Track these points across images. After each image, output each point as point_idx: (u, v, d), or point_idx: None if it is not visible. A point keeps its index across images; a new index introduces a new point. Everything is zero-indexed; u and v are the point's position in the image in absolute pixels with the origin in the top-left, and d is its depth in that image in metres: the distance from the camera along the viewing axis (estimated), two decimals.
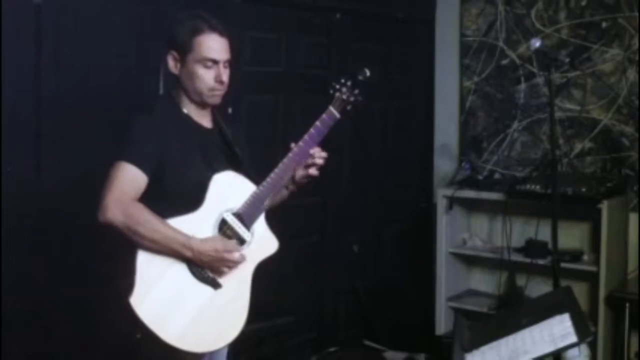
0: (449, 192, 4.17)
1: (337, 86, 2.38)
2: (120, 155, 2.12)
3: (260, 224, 2.28)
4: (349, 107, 2.38)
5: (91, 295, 2.70)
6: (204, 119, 2.33)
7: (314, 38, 3.85)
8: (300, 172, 2.37)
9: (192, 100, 2.28)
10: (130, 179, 2.10)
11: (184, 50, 2.21)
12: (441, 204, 4.20)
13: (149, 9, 3.03)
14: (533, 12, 4.14)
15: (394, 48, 4.33)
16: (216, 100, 2.29)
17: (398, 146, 4.40)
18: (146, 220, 2.07)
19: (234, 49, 2.29)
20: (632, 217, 3.82)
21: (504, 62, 4.28)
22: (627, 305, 3.47)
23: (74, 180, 2.75)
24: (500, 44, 4.28)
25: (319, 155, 2.36)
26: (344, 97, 2.37)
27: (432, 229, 4.29)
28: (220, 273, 2.17)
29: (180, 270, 2.13)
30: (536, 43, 3.08)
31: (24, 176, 2.69)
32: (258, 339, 3.26)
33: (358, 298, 4.18)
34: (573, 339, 2.08)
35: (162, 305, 2.07)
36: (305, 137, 2.32)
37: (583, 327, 2.13)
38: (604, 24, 3.91)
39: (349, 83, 2.38)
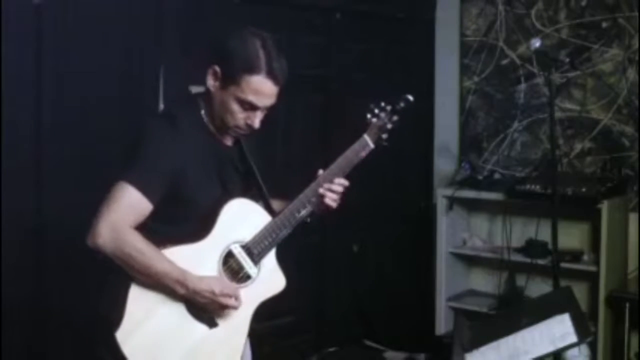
0: (449, 192, 4.17)
1: (376, 111, 2.12)
2: (124, 175, 1.89)
3: (270, 260, 2.09)
4: (384, 136, 2.14)
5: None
6: (225, 136, 2.08)
7: (314, 38, 3.85)
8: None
9: (213, 122, 2.03)
10: (130, 204, 1.88)
11: (230, 79, 1.93)
12: (441, 204, 4.20)
13: (149, 10, 3.03)
14: (533, 12, 4.14)
15: (394, 48, 4.33)
16: (235, 135, 2.06)
17: (398, 146, 4.39)
18: (139, 252, 1.87)
19: (282, 95, 2.01)
20: (632, 217, 3.82)
21: (504, 62, 4.28)
22: (627, 305, 3.47)
23: (75, 181, 2.75)
24: (500, 44, 4.28)
25: (337, 182, 2.10)
26: (381, 124, 2.12)
27: (432, 229, 4.29)
28: (214, 316, 2.00)
29: (175, 306, 1.96)
30: (536, 43, 3.08)
31: (24, 176, 2.69)
32: (258, 339, 3.25)
33: (358, 298, 4.18)
34: (573, 339, 2.08)
35: (152, 343, 1.91)
36: (332, 166, 2.10)
37: (583, 327, 2.13)
38: (604, 24, 3.91)
39: (388, 108, 2.13)
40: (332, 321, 4.05)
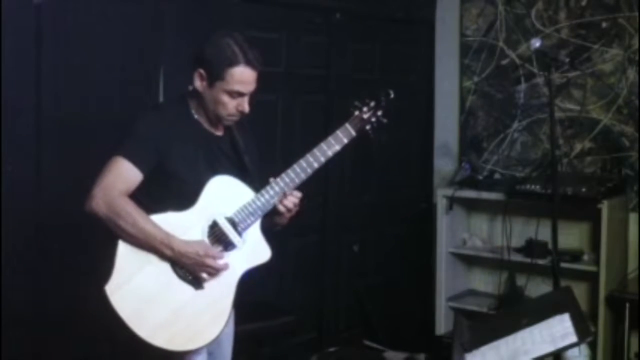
0: (449, 192, 4.17)
1: (359, 105, 2.37)
2: (117, 150, 2.14)
3: (255, 232, 2.26)
4: (368, 127, 2.37)
5: (90, 294, 2.69)
6: (215, 127, 2.30)
7: (314, 38, 3.85)
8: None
9: (207, 116, 2.26)
10: (122, 173, 2.12)
11: (215, 75, 2.18)
12: (441, 204, 4.20)
13: (149, 10, 3.03)
14: (533, 12, 4.14)
15: (394, 48, 4.33)
16: (230, 123, 2.29)
17: (398, 146, 4.40)
18: (128, 215, 2.08)
19: (260, 78, 2.25)
20: (632, 217, 3.82)
21: (504, 62, 4.28)
22: (627, 305, 3.47)
23: (74, 181, 2.74)
24: (500, 44, 4.28)
25: (293, 195, 2.27)
26: (364, 116, 2.36)
27: (432, 229, 4.29)
28: (200, 277, 2.16)
29: (162, 267, 2.13)
30: (536, 43, 3.08)
31: (23, 176, 2.69)
32: (258, 339, 3.26)
33: (358, 298, 4.18)
34: (573, 339, 2.08)
35: (139, 299, 2.08)
36: (315, 150, 2.30)
37: (583, 327, 2.13)
38: (604, 24, 3.91)
39: (372, 104, 2.37)
40: (332, 321, 4.05)
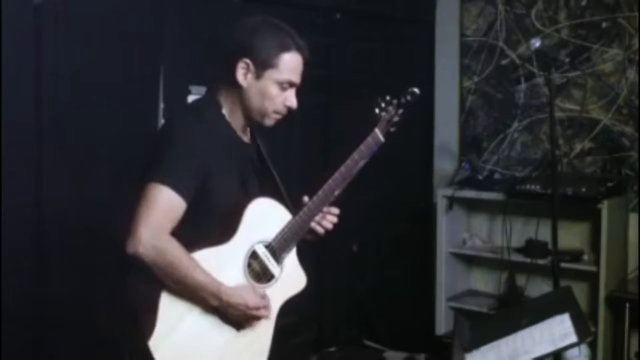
0: (449, 192, 4.17)
1: (383, 104, 2.14)
2: (156, 175, 1.85)
3: (292, 258, 2.10)
4: (392, 129, 2.17)
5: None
6: (244, 133, 2.09)
7: (314, 38, 3.84)
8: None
9: (245, 115, 2.04)
10: (168, 207, 1.84)
11: (265, 64, 1.97)
12: (441, 204, 4.20)
13: (149, 9, 3.03)
14: (533, 12, 4.14)
15: (394, 48, 4.33)
16: (271, 123, 2.07)
17: (398, 146, 4.39)
18: (180, 262, 1.84)
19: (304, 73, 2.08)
20: (632, 217, 3.82)
21: (504, 62, 4.28)
22: (627, 305, 3.47)
23: (75, 181, 2.75)
24: (500, 44, 4.28)
25: (330, 215, 2.18)
26: (389, 117, 2.15)
27: (432, 229, 4.29)
28: (244, 326, 1.98)
29: (204, 311, 1.93)
30: (536, 43, 3.08)
31: (24, 176, 2.69)
32: None
33: (358, 298, 4.18)
34: (573, 339, 2.08)
35: (182, 349, 1.88)
36: (348, 161, 2.11)
37: (583, 327, 2.13)
38: (604, 24, 3.91)
39: (394, 102, 2.15)
40: (332, 321, 4.04)
